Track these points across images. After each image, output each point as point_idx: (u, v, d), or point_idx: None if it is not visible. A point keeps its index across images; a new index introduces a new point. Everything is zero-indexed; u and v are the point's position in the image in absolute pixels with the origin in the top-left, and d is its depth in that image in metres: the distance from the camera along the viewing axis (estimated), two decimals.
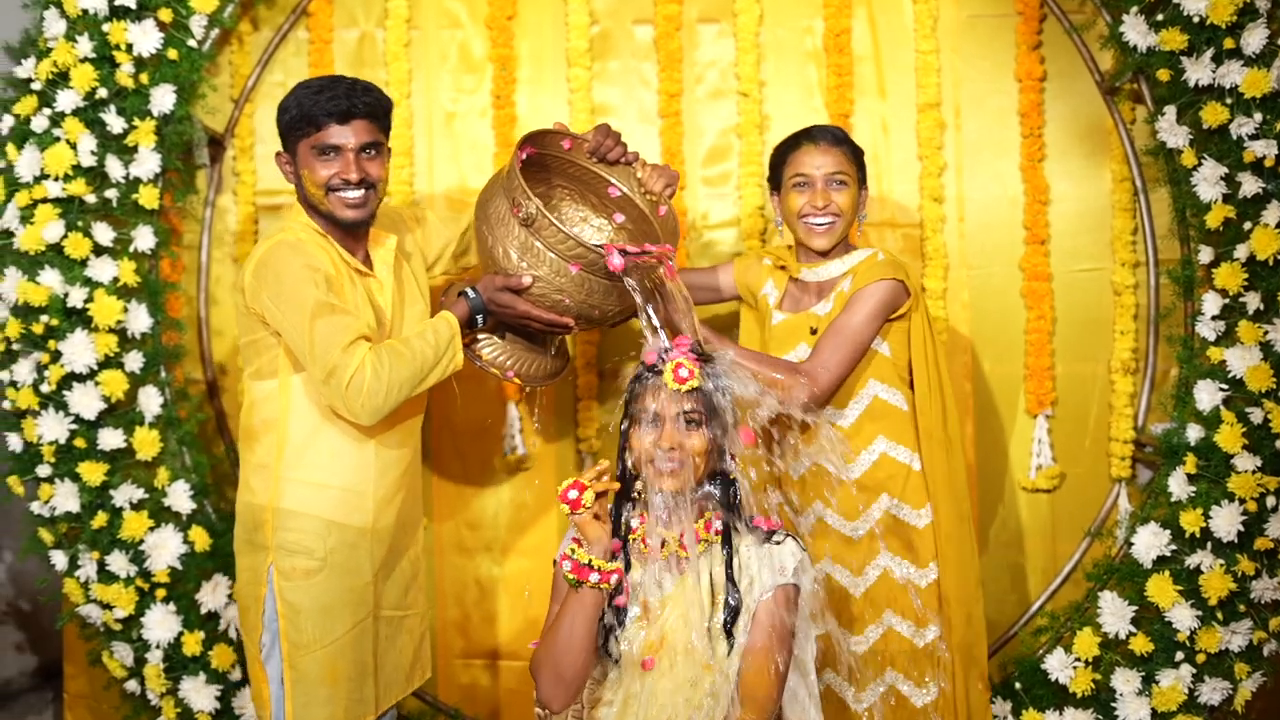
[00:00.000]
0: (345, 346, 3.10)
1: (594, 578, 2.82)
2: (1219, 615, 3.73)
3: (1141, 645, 3.79)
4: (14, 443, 3.91)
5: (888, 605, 3.48)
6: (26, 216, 3.88)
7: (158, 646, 3.90)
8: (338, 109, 3.24)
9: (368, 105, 3.29)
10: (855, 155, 3.61)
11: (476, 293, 3.38)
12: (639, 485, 2.96)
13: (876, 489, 3.51)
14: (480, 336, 3.51)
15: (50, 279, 3.84)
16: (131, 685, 3.99)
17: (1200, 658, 3.74)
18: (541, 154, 3.60)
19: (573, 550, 2.84)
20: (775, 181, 3.68)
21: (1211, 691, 3.75)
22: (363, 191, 3.29)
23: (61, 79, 3.92)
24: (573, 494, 2.82)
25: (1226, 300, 3.81)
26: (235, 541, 3.39)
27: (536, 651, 2.91)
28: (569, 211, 3.76)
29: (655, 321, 3.16)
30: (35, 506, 3.92)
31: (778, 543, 2.96)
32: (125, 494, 3.88)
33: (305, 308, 3.14)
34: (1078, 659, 3.89)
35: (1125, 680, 3.81)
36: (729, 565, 2.92)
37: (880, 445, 3.52)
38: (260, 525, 3.29)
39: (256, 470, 3.33)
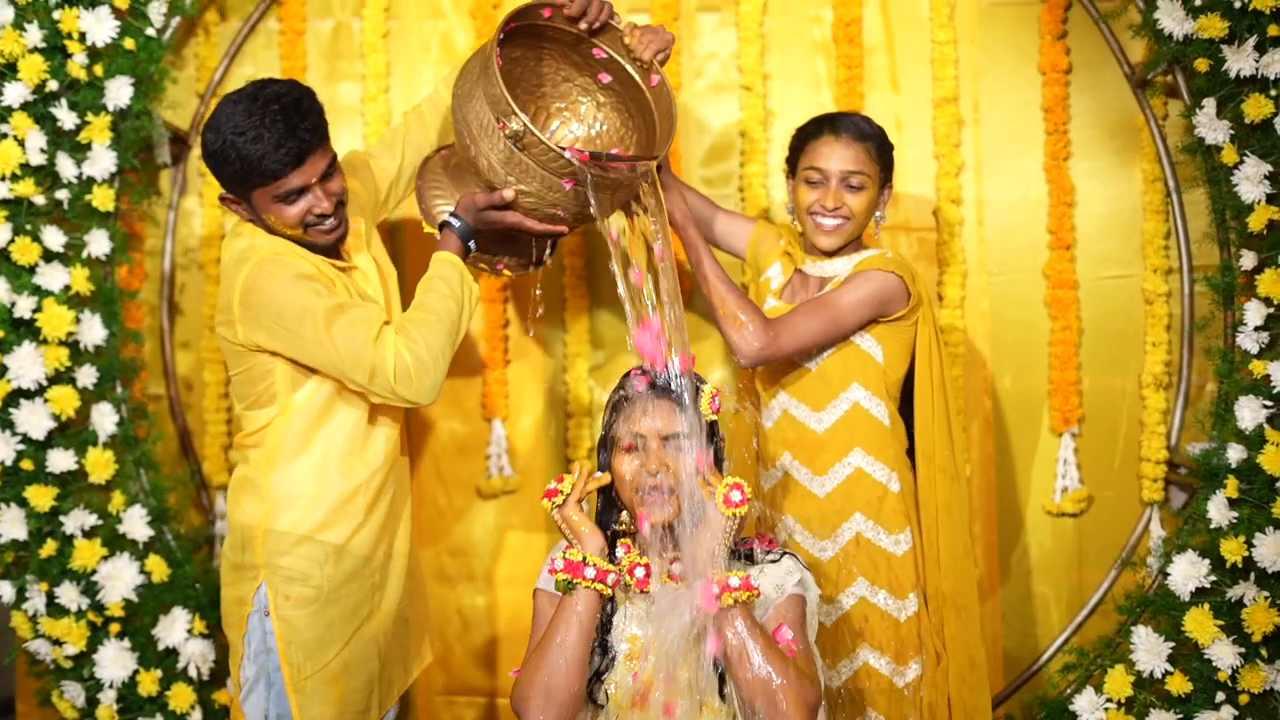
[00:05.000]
0: (374, 341, 3.01)
1: (590, 573, 2.67)
2: (1263, 652, 3.49)
3: (1179, 685, 3.55)
4: None
5: (863, 639, 3.27)
6: None
7: (111, 686, 3.69)
8: (291, 156, 3.01)
9: (314, 131, 3.05)
10: (880, 152, 3.39)
11: (461, 219, 3.25)
12: (624, 516, 2.86)
13: (848, 508, 3.30)
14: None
15: None
16: None
17: (1243, 699, 3.50)
18: (527, 24, 3.34)
19: (564, 553, 2.71)
20: (793, 166, 3.47)
21: None
22: (335, 216, 3.15)
23: (9, 70, 3.67)
24: (551, 484, 2.74)
25: (1271, 310, 3.59)
26: (222, 563, 3.29)
27: (520, 678, 2.71)
28: (550, 73, 3.54)
29: (622, 229, 3.14)
30: None
31: (772, 561, 2.83)
32: (77, 520, 3.67)
33: (316, 319, 3.02)
34: (1109, 699, 3.65)
35: None
36: None
37: (856, 459, 3.32)
38: (248, 544, 3.18)
39: (244, 485, 3.23)
